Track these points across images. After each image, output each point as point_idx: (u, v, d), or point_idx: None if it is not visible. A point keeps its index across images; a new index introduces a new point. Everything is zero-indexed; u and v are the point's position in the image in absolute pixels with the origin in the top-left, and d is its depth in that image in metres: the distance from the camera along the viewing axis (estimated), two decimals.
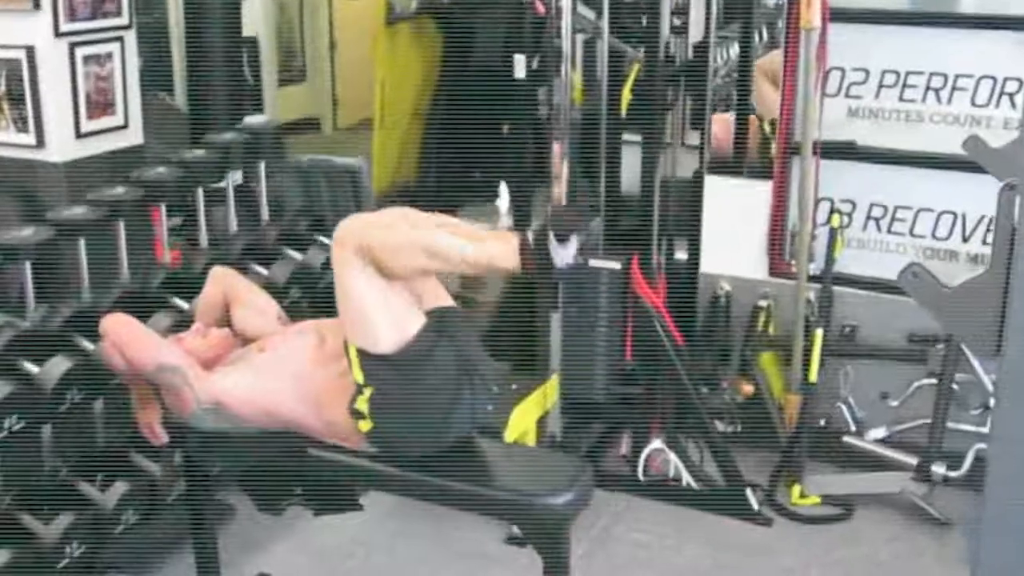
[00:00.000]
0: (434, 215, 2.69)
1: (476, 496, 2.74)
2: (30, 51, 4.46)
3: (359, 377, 2.63)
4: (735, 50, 5.00)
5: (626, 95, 4.54)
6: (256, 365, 2.82)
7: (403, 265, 2.56)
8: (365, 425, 2.65)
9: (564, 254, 2.55)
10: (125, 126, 4.82)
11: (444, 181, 5.67)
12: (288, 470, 3.10)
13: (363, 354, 2.62)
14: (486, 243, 2.59)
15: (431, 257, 2.56)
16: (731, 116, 4.78)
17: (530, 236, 2.55)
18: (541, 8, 3.88)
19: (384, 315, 2.58)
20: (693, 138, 4.69)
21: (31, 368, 3.22)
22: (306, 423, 2.76)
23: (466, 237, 2.58)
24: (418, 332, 2.60)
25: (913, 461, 4.04)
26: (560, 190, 3.95)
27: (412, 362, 2.60)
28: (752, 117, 4.69)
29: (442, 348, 2.63)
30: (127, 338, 2.79)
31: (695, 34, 4.58)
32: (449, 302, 2.75)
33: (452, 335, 2.66)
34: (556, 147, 3.97)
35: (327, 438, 2.78)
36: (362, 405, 2.63)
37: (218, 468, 3.31)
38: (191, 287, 3.65)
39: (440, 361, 2.63)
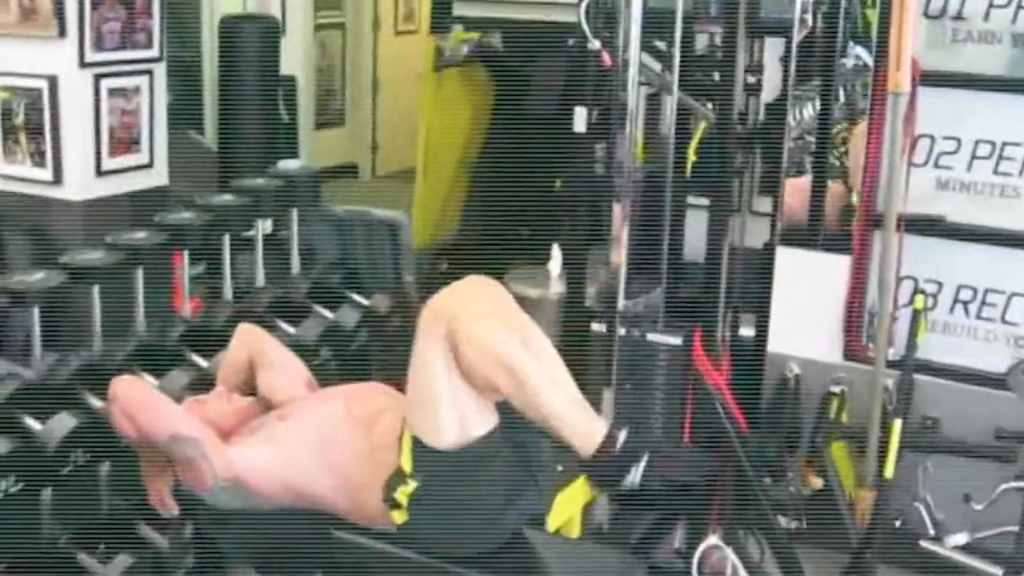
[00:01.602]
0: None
1: None
2: (52, 81, 4.47)
3: (407, 466, 2.54)
4: (808, 111, 4.93)
5: (691, 155, 4.48)
6: (277, 436, 2.73)
7: (480, 374, 2.45)
8: (400, 517, 2.57)
9: (633, 475, 2.50)
10: (150, 165, 4.82)
11: (489, 239, 5.61)
12: (309, 552, 3.01)
13: (418, 442, 2.53)
14: (572, 409, 2.49)
15: (511, 380, 2.43)
16: (806, 182, 4.70)
17: (620, 437, 2.49)
18: (608, 60, 3.83)
19: (452, 408, 2.49)
20: (761, 204, 4.61)
21: (33, 425, 3.18)
22: (331, 500, 2.68)
23: (556, 386, 2.48)
24: (484, 434, 2.51)
25: (998, 572, 3.91)
26: (620, 254, 3.88)
27: (471, 464, 2.51)
28: (833, 184, 4.60)
29: (506, 450, 2.54)
30: (139, 405, 2.71)
31: (766, 93, 4.52)
32: None
33: (517, 430, 2.57)
34: (617, 208, 3.91)
35: (353, 518, 2.69)
36: (402, 497, 2.54)
37: (231, 544, 3.24)
38: (211, 342, 3.61)
39: (501, 464, 2.54)
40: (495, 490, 2.54)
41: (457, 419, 2.48)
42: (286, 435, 2.71)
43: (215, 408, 2.83)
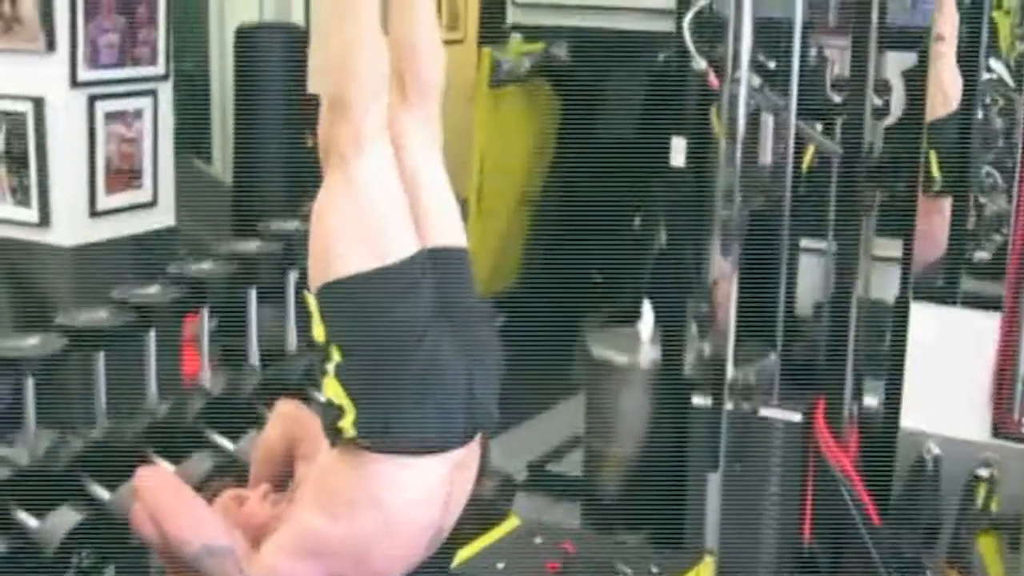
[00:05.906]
0: None
1: None
2: (38, 104, 4.47)
3: (332, 390, 2.43)
4: None
5: None
6: (289, 514, 2.67)
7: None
8: (347, 421, 2.44)
9: None
10: (153, 203, 4.81)
11: (555, 287, 5.60)
12: None
13: (325, 302, 2.42)
14: None
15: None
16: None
17: None
18: (715, 81, 3.83)
19: (357, 233, 2.39)
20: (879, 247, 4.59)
21: (28, 520, 3.16)
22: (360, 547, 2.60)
23: None
24: (404, 259, 2.39)
25: None
26: (727, 311, 3.86)
27: (389, 296, 2.39)
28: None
29: (430, 288, 2.42)
30: (168, 508, 2.65)
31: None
32: (459, 242, 2.55)
33: (450, 280, 2.47)
34: (722, 255, 3.91)
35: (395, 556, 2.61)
36: (331, 390, 2.45)
37: None
38: (236, 418, 3.58)
39: (425, 306, 2.41)
40: (430, 344, 2.41)
41: (366, 241, 2.39)
42: (296, 507, 2.65)
43: (257, 510, 2.77)
